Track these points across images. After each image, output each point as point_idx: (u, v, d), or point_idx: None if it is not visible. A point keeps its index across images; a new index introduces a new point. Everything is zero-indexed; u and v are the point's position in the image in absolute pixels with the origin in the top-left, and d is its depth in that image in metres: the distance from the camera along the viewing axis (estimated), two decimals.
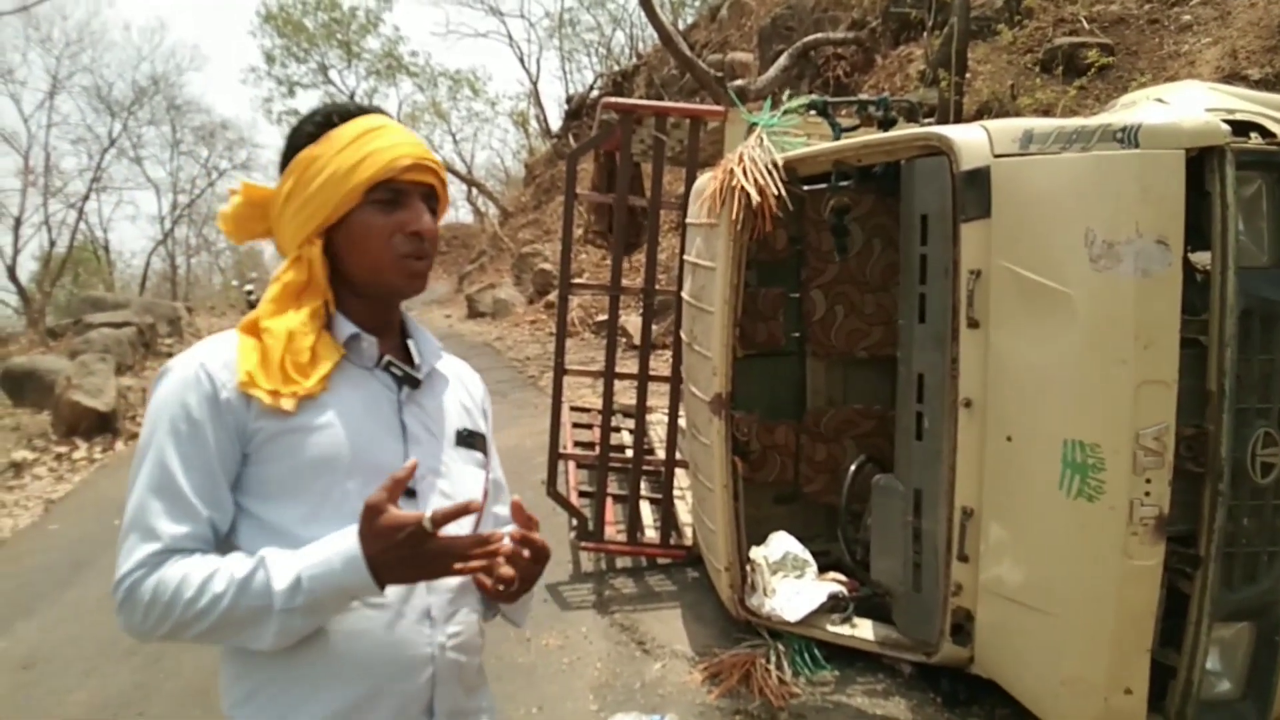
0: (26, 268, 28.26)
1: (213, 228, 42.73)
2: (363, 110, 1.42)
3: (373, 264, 1.37)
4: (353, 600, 1.25)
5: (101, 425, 8.67)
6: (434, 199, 1.42)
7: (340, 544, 1.21)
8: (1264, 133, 2.70)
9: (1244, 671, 2.74)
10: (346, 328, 1.39)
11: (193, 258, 44.53)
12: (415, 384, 1.42)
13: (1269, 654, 2.71)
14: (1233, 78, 7.33)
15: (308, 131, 1.40)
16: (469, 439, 1.49)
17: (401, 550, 1.19)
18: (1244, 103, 2.95)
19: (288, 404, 1.29)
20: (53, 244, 28.98)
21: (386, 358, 1.41)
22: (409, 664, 1.31)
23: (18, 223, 27.43)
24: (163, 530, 1.25)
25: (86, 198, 31.87)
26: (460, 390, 1.55)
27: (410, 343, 1.49)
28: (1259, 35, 8.00)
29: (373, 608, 1.28)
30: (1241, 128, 2.69)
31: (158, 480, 1.26)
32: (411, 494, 1.34)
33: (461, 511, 1.20)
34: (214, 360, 1.31)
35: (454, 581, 1.36)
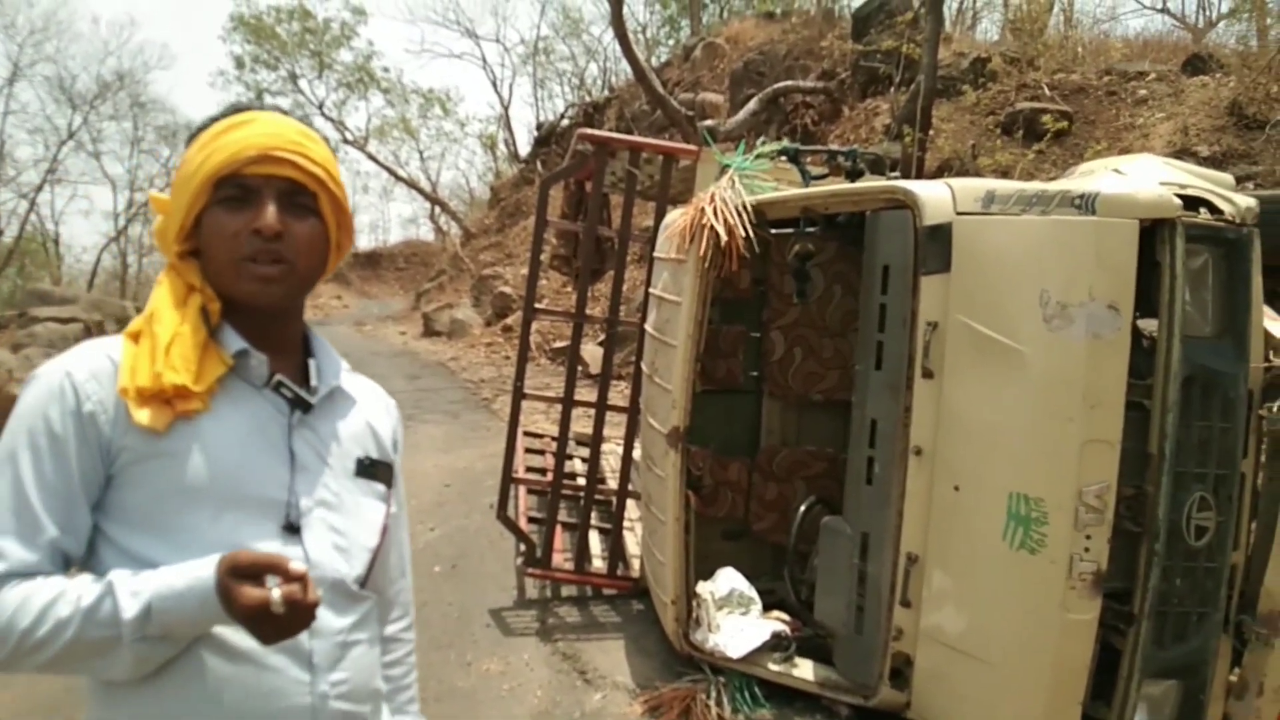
0: None
1: None
2: (246, 107, 1.30)
3: (219, 268, 1.24)
4: (210, 626, 1.14)
5: None
6: (303, 195, 1.26)
7: (195, 576, 1.10)
8: (1212, 209, 2.82)
9: None
10: (235, 341, 1.26)
11: (145, 257, 43.72)
12: (307, 407, 1.29)
13: (1194, 713, 2.79)
14: (1184, 153, 7.62)
15: (189, 136, 1.30)
16: (370, 468, 1.36)
17: (253, 628, 1.10)
18: (1195, 179, 3.08)
19: (154, 420, 1.16)
20: (0, 233, 28.41)
21: (277, 377, 1.27)
22: (284, 716, 1.20)
23: None
24: (7, 551, 1.13)
25: (40, 189, 31.31)
26: (367, 414, 1.41)
27: (311, 362, 1.36)
28: (1209, 114, 8.34)
29: (240, 650, 1.17)
30: (1192, 202, 2.82)
31: (9, 498, 1.15)
32: (295, 530, 1.24)
33: (301, 580, 1.09)
34: (81, 369, 1.19)
35: (343, 621, 1.27)
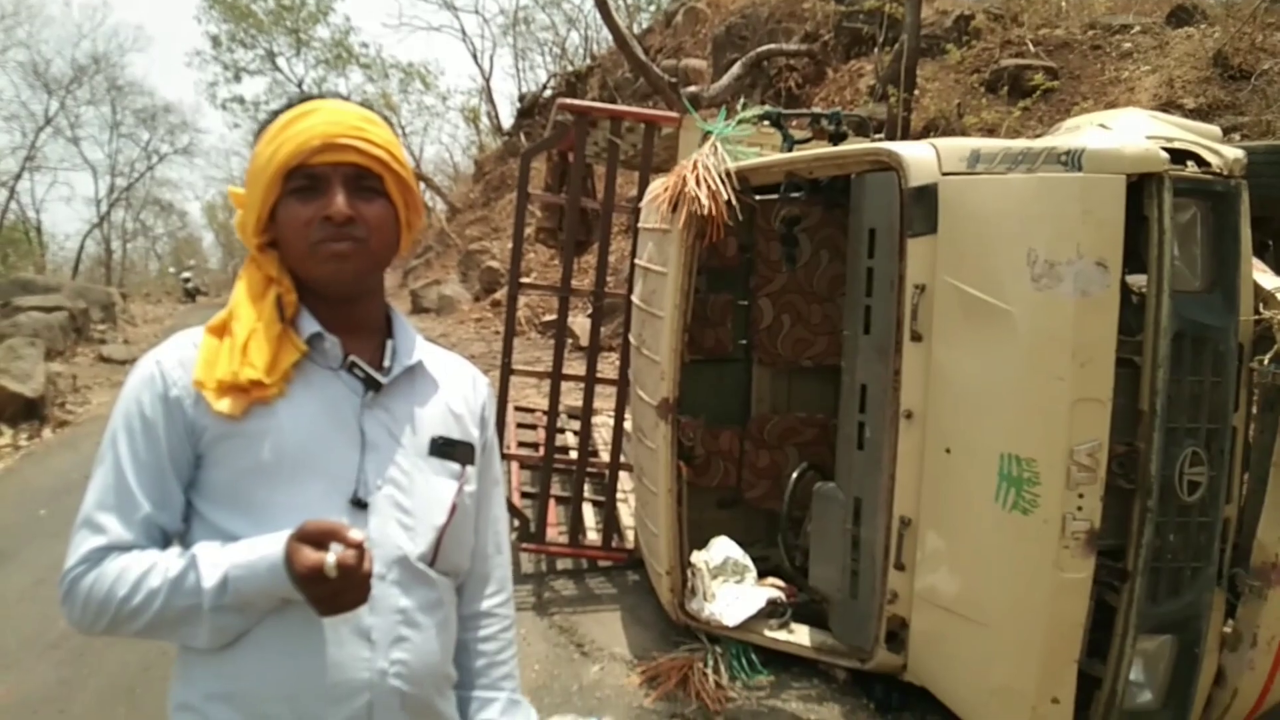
0: None
1: (150, 211, 42.01)
2: (308, 98, 1.35)
3: (296, 256, 1.31)
4: (281, 598, 1.20)
5: (28, 412, 8.39)
6: (369, 178, 1.30)
7: (268, 548, 1.17)
8: (1200, 161, 2.79)
9: (1165, 683, 2.82)
10: (310, 326, 1.32)
11: (129, 242, 43.67)
12: (379, 387, 1.34)
13: (1189, 666, 2.80)
14: (1169, 105, 7.57)
15: (257, 130, 1.36)
16: (446, 447, 1.38)
17: (308, 590, 1.15)
18: (1182, 131, 3.05)
19: (232, 408, 1.24)
20: None
21: (351, 358, 1.33)
22: (340, 689, 1.24)
23: None
24: (108, 526, 1.24)
25: (19, 177, 31.15)
26: (449, 394, 1.44)
27: (389, 343, 1.41)
28: (1194, 66, 8.27)
29: (305, 623, 1.22)
30: (1179, 156, 2.78)
31: (110, 478, 1.26)
32: (363, 505, 1.28)
33: (357, 549, 1.13)
34: (170, 358, 1.29)
35: (406, 601, 1.30)
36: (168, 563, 1.21)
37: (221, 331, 1.30)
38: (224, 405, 1.24)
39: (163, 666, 3.85)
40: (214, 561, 1.19)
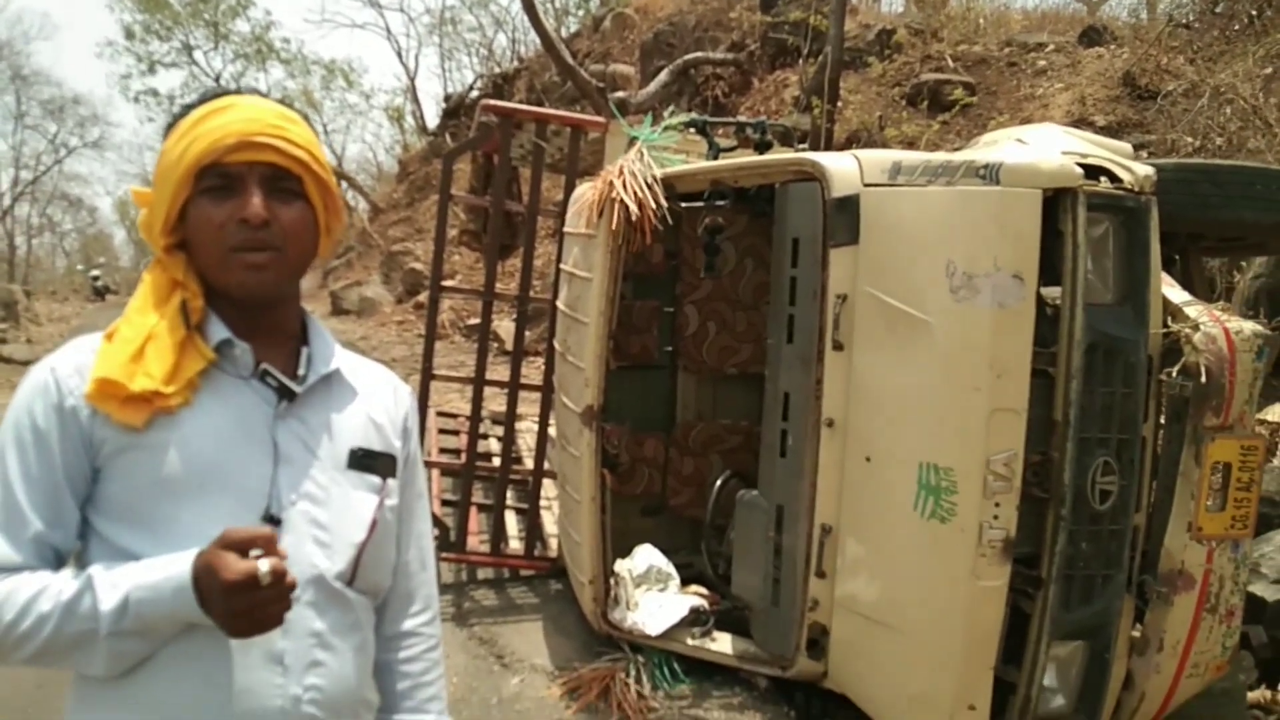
0: None
1: (57, 206, 40.47)
2: (223, 93, 1.27)
3: (207, 260, 1.22)
4: (186, 622, 1.12)
5: None
6: (288, 180, 1.23)
7: (173, 568, 1.09)
8: (1112, 177, 2.86)
9: (1077, 688, 2.89)
10: (219, 332, 1.24)
11: (34, 238, 42.01)
12: (293, 396, 1.26)
13: (1100, 671, 2.87)
14: (1081, 122, 7.81)
15: (167, 125, 1.27)
16: (365, 460, 1.31)
17: (233, 603, 1.06)
18: (1095, 148, 3.13)
19: (131, 417, 1.16)
20: None
21: (263, 366, 1.25)
22: (251, 718, 1.17)
23: None
24: None
25: None
26: (369, 403, 1.37)
27: (305, 350, 1.32)
28: (1105, 85, 8.56)
29: (212, 647, 1.14)
30: (1092, 171, 2.85)
31: None
32: (276, 522, 1.20)
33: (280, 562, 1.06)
34: (65, 365, 1.20)
35: (320, 623, 1.23)
36: (60, 585, 1.12)
37: (114, 336, 1.22)
38: (120, 414, 1.15)
39: (58, 684, 3.67)
40: (112, 583, 1.10)
